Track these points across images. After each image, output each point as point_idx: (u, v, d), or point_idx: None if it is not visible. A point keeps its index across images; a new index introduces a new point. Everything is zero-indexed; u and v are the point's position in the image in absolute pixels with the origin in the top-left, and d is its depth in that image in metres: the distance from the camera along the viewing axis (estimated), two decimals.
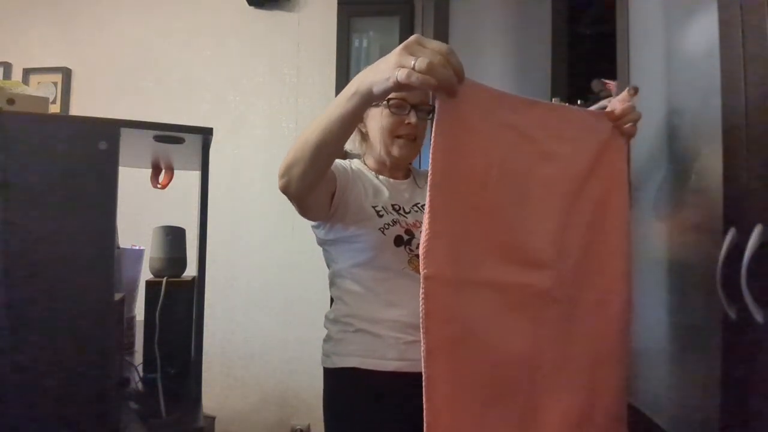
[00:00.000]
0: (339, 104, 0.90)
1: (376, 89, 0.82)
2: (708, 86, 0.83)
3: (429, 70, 0.75)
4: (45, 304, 1.00)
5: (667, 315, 1.04)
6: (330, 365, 1.23)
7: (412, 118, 1.21)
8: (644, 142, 1.14)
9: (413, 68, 0.75)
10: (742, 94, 0.73)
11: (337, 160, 1.23)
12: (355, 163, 1.33)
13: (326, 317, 1.30)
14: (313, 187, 1.06)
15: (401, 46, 0.78)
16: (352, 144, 1.32)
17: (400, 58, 0.78)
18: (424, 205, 0.83)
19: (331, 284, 1.31)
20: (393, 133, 1.22)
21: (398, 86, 0.79)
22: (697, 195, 0.97)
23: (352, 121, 0.92)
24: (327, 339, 1.28)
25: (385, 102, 1.19)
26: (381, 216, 1.20)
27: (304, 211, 1.15)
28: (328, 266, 1.32)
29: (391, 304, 1.17)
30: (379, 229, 1.18)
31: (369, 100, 0.86)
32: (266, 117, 2.76)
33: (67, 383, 1.01)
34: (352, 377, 1.18)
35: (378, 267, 1.19)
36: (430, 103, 1.21)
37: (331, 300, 1.31)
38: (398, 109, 1.20)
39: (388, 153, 1.25)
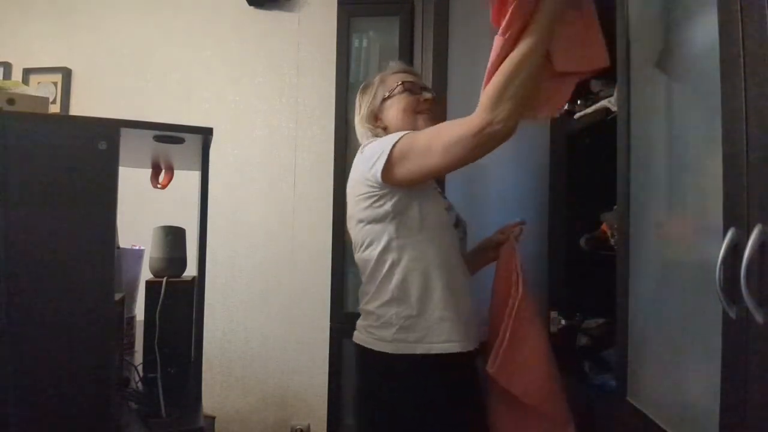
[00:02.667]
0: (540, 42, 1.07)
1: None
2: (708, 86, 0.83)
3: None
4: (45, 304, 1.00)
5: (667, 315, 1.04)
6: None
7: (427, 95, 1.37)
8: (644, 142, 1.15)
9: None
10: (742, 94, 0.73)
11: None
12: None
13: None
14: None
15: None
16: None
17: None
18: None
19: None
20: (415, 110, 1.35)
21: None
22: (697, 195, 0.97)
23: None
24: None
25: (399, 87, 1.35)
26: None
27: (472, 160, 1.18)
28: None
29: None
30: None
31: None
32: (266, 117, 2.76)
33: (67, 383, 1.01)
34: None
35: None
36: None
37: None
38: (412, 89, 1.36)
39: (415, 129, 1.30)
